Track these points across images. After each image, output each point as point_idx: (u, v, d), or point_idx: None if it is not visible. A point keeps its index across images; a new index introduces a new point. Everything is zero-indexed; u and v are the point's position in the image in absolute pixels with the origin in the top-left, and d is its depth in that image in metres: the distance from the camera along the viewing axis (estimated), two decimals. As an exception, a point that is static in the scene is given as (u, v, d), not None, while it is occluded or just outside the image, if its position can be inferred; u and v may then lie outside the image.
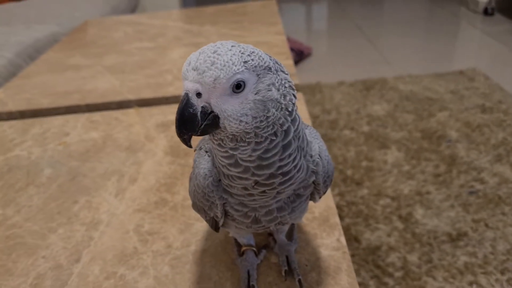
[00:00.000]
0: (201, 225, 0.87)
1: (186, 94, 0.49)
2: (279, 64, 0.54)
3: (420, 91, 3.07)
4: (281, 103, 0.52)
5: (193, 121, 0.50)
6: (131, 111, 1.36)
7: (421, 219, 1.92)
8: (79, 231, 0.89)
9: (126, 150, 1.16)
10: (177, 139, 1.01)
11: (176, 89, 1.44)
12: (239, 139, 0.53)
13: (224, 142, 0.53)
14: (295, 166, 0.57)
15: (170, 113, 1.32)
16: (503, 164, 2.22)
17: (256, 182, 0.56)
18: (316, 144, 0.63)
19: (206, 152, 0.63)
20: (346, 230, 1.90)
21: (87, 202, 0.97)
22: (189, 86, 0.49)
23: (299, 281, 0.70)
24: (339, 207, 2.03)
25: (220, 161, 0.57)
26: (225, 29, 2.04)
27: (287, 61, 1.61)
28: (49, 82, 1.61)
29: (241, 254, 0.77)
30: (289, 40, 3.80)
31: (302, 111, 1.23)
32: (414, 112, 2.80)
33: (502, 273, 1.60)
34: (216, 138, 0.54)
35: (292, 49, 3.67)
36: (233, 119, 0.50)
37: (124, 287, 0.75)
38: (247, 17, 2.20)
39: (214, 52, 0.49)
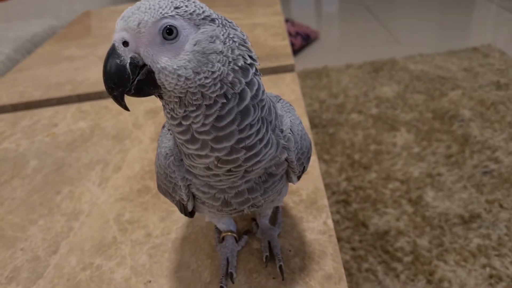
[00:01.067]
0: (182, 212, 0.82)
1: (113, 45, 0.45)
2: (229, 22, 0.49)
3: (431, 70, 2.95)
4: (227, 57, 0.47)
5: (121, 74, 0.45)
6: (121, 99, 1.33)
7: (431, 201, 1.84)
8: (59, 222, 0.86)
9: (113, 138, 1.13)
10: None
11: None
12: (186, 102, 0.48)
13: (175, 111, 0.49)
14: (260, 140, 0.52)
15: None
16: (519, 142, 2.11)
17: (219, 160, 0.51)
18: (288, 118, 0.58)
19: (169, 130, 0.59)
20: (354, 216, 1.83)
21: (70, 192, 0.94)
22: (115, 36, 0.45)
23: (280, 267, 0.65)
24: (346, 192, 1.97)
25: (178, 139, 0.52)
26: (221, 12, 1.97)
27: (284, 42, 1.54)
28: (42, 75, 1.59)
29: (221, 240, 0.72)
30: (295, 24, 3.71)
31: (295, 91, 1.17)
32: (425, 92, 2.69)
33: (518, 255, 1.51)
34: (168, 110, 0.50)
35: (298, 33, 3.58)
36: (169, 73, 0.45)
37: (100, 278, 0.72)
38: None
39: (144, 0, 0.45)
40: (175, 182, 0.57)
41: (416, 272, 1.54)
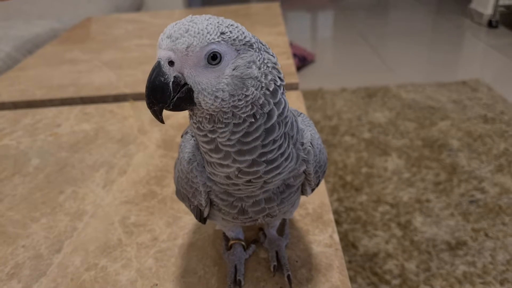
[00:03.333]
0: (189, 218, 0.83)
1: (158, 62, 0.46)
2: (263, 44, 0.51)
3: (422, 99, 3.05)
4: (261, 82, 0.49)
5: (164, 91, 0.46)
6: (127, 105, 1.34)
7: (420, 227, 1.87)
8: (63, 221, 0.86)
9: (118, 142, 1.13)
10: (171, 132, 0.98)
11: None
12: (216, 119, 0.49)
13: (203, 124, 0.50)
14: (281, 154, 0.54)
15: (165, 107, 1.29)
16: (504, 174, 2.18)
17: (240, 171, 0.53)
18: (309, 131, 0.60)
19: (192, 136, 0.60)
20: (344, 236, 1.85)
21: (73, 193, 0.94)
22: (161, 54, 0.46)
23: (288, 277, 0.66)
24: (337, 213, 1.99)
25: (202, 147, 0.54)
26: (226, 28, 2.01)
27: (288, 61, 1.58)
28: (44, 75, 1.59)
29: (229, 248, 0.73)
30: (292, 46, 3.79)
31: (300, 109, 1.19)
32: (416, 120, 2.77)
33: (501, 283, 1.55)
34: (195, 121, 0.51)
35: (295, 55, 3.65)
36: (208, 94, 0.47)
37: (105, 279, 0.71)
38: (249, 18, 2.18)
39: (191, 21, 0.46)
40: (196, 187, 0.58)
41: (404, 296, 1.56)
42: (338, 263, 0.70)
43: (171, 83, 0.47)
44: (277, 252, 0.71)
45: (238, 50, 0.48)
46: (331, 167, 2.32)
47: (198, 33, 0.45)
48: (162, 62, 0.46)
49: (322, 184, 0.88)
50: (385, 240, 1.81)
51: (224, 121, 0.49)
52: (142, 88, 1.42)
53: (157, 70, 0.46)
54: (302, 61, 3.72)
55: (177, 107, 0.48)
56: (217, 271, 0.71)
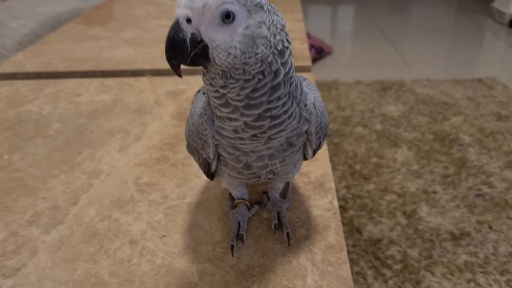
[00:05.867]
0: (199, 181, 0.88)
1: (177, 20, 0.51)
2: (273, 7, 0.55)
3: (437, 95, 3.04)
4: (270, 41, 0.53)
5: (182, 46, 0.51)
6: (144, 79, 1.39)
7: (425, 216, 1.89)
8: (80, 178, 0.91)
9: (134, 112, 1.19)
10: (186, 105, 1.04)
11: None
12: (228, 75, 0.54)
13: (215, 80, 0.55)
14: (285, 112, 0.58)
15: (182, 83, 1.34)
16: (515, 171, 2.18)
17: (246, 124, 0.57)
18: (312, 95, 0.64)
19: (204, 94, 0.65)
20: (349, 222, 1.89)
21: (91, 154, 1.00)
22: (180, 12, 0.50)
23: (287, 234, 0.71)
24: (344, 199, 2.02)
25: (212, 102, 0.58)
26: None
27: (303, 45, 1.61)
28: (67, 49, 1.66)
29: (234, 207, 0.78)
30: (310, 37, 3.80)
31: (310, 89, 1.23)
32: (429, 114, 2.77)
33: (502, 274, 1.57)
34: (208, 78, 0.56)
35: (312, 46, 3.67)
36: (222, 50, 0.51)
37: (117, 229, 0.77)
38: (266, 4, 2.21)
39: None
40: (205, 139, 0.63)
41: (404, 280, 1.59)
42: (335, 225, 0.74)
43: (188, 39, 0.51)
44: (278, 213, 0.75)
45: (249, 11, 0.52)
46: (341, 155, 2.35)
47: None
48: (180, 20, 0.50)
49: (326, 156, 0.92)
50: (390, 227, 1.84)
51: (236, 77, 0.54)
52: (159, 65, 1.47)
53: (176, 26, 0.51)
54: (319, 52, 3.73)
55: (193, 62, 0.53)
56: (222, 227, 0.76)
